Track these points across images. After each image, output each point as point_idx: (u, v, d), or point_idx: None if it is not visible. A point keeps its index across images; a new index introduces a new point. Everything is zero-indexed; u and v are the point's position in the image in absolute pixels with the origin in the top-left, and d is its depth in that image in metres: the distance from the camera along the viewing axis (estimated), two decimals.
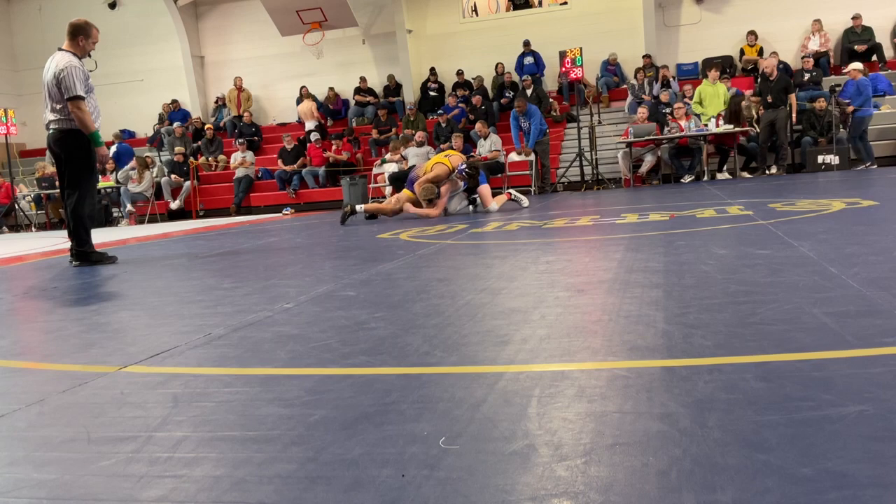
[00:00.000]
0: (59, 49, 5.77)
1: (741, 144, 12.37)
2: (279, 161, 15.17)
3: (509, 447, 1.29)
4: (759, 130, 12.19)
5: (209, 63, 18.47)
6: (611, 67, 15.43)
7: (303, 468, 1.27)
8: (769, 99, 12.06)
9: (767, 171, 12.10)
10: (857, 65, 12.49)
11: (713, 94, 12.48)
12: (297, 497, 1.16)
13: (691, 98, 12.98)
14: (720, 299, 2.40)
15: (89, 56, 5.88)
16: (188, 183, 15.01)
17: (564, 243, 4.71)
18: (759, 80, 12.93)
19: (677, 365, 1.71)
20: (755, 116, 12.34)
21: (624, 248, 3.94)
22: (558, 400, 1.52)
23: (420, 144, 13.47)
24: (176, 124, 16.69)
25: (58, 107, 5.63)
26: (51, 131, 5.74)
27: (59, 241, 10.00)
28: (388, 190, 13.46)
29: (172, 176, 15.10)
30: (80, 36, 5.80)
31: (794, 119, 12.08)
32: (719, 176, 12.25)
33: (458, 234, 5.75)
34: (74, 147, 5.68)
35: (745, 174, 12.26)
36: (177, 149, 15.45)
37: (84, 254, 5.85)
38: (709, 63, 14.71)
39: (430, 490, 1.14)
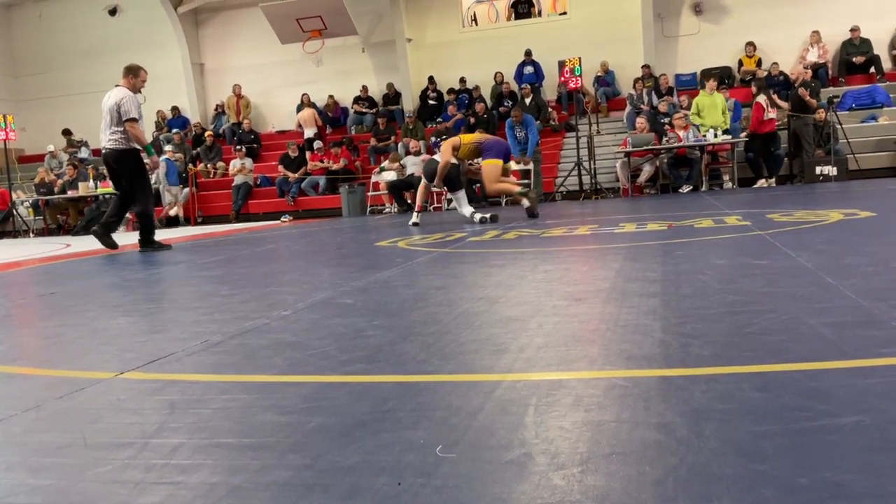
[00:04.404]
0: (116, 85, 7.33)
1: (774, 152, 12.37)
2: (280, 167, 15.17)
3: (506, 456, 1.29)
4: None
5: (209, 70, 18.51)
6: (600, 77, 15.45)
7: (299, 475, 1.27)
8: (789, 107, 12.20)
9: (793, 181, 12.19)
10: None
11: (711, 105, 12.51)
12: None
13: (687, 108, 13.01)
14: (717, 309, 2.40)
15: (140, 92, 7.39)
16: (187, 189, 15.01)
17: (562, 252, 4.71)
18: (775, 87, 13.08)
19: (674, 375, 1.71)
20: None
21: (622, 258, 3.94)
22: (555, 409, 1.52)
23: (417, 154, 13.50)
24: (175, 131, 16.70)
25: (119, 129, 7.13)
26: (107, 150, 7.30)
27: (57, 247, 10.00)
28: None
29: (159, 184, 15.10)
30: (130, 75, 7.34)
31: (820, 117, 12.07)
32: (759, 183, 12.19)
33: (456, 242, 5.76)
34: (131, 164, 7.28)
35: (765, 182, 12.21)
36: (176, 155, 15.46)
37: (148, 241, 7.37)
38: (707, 74, 14.77)
39: (426, 498, 1.14)
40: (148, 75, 7.55)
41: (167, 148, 15.54)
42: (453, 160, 8.29)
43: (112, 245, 7.54)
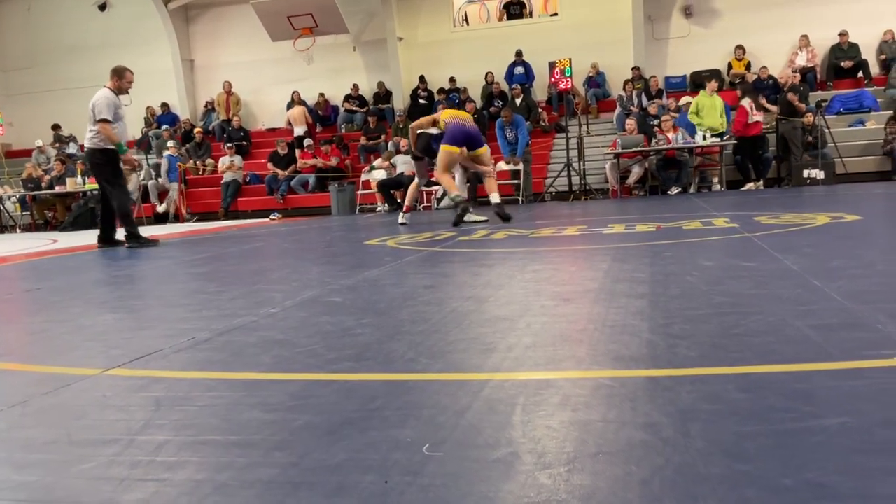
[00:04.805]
0: (104, 86, 7.57)
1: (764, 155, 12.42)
2: (269, 165, 15.12)
3: (493, 454, 1.29)
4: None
5: (199, 67, 18.42)
6: (591, 78, 15.49)
7: (285, 473, 1.27)
8: (777, 111, 12.28)
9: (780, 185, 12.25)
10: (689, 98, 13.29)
11: (711, 106, 12.52)
12: (280, 502, 1.16)
13: (675, 110, 13.04)
14: (705, 310, 2.41)
15: (127, 93, 7.71)
16: (176, 185, 14.94)
17: (551, 252, 4.72)
18: (764, 91, 13.16)
19: (661, 375, 1.72)
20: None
21: (610, 259, 3.95)
22: (542, 408, 1.53)
23: (407, 153, 13.48)
24: (164, 127, 16.63)
25: (94, 129, 7.40)
26: (86, 149, 7.72)
27: (44, 242, 9.94)
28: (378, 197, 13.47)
29: (159, 179, 15.03)
30: (115, 77, 7.59)
31: (808, 121, 12.14)
32: (748, 186, 12.23)
33: (446, 241, 5.76)
34: (102, 161, 7.51)
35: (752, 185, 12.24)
36: (180, 151, 15.39)
37: (133, 236, 7.59)
38: (697, 76, 14.83)
39: (412, 496, 1.14)
40: (134, 76, 7.74)
41: (170, 144, 15.51)
42: (433, 130, 8.00)
43: (119, 243, 7.76)
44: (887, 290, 2.58)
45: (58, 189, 14.60)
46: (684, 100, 13.40)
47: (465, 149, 7.83)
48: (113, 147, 7.49)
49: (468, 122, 7.96)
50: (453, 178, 8.29)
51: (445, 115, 8.01)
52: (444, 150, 7.74)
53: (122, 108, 7.63)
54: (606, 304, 2.62)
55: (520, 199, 12.63)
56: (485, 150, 7.98)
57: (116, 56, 17.32)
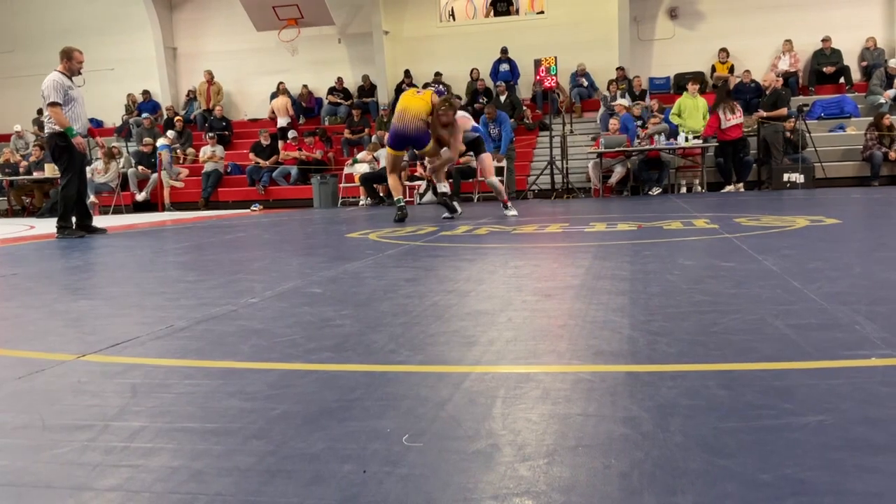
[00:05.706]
0: (56, 70, 7.42)
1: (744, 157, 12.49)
2: (251, 155, 15.01)
3: (473, 446, 1.29)
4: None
5: (182, 55, 18.25)
6: (579, 78, 15.53)
7: (262, 461, 1.26)
8: (762, 113, 12.34)
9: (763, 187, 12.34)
10: (624, 101, 13.47)
11: (693, 108, 12.58)
12: (256, 490, 1.15)
13: (660, 111, 13.09)
14: (685, 308, 2.42)
15: (80, 74, 7.58)
16: (155, 175, 14.80)
17: (533, 249, 4.72)
18: (739, 93, 13.22)
19: (641, 370, 1.72)
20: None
21: (591, 256, 3.96)
22: (523, 401, 1.52)
23: None
24: (145, 115, 16.47)
25: (46, 113, 7.34)
26: (45, 134, 7.59)
27: (20, 228, 9.82)
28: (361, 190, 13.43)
29: (139, 167, 14.88)
30: (64, 59, 7.46)
31: (789, 125, 12.24)
32: (728, 188, 12.27)
33: (428, 236, 5.75)
34: (56, 146, 7.36)
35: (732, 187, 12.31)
36: (145, 140, 15.24)
37: (64, 227, 7.37)
38: (681, 78, 14.90)
39: (391, 486, 1.13)
40: (84, 55, 7.58)
41: (169, 134, 15.38)
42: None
43: (100, 230, 7.71)
44: (864, 292, 2.60)
45: (36, 175, 14.41)
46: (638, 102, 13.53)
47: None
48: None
49: (414, 119, 7.31)
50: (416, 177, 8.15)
51: (397, 108, 7.52)
52: (387, 151, 7.76)
53: (74, 90, 7.45)
54: (587, 301, 2.62)
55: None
56: (429, 148, 7.52)
57: (99, 42, 17.24)
